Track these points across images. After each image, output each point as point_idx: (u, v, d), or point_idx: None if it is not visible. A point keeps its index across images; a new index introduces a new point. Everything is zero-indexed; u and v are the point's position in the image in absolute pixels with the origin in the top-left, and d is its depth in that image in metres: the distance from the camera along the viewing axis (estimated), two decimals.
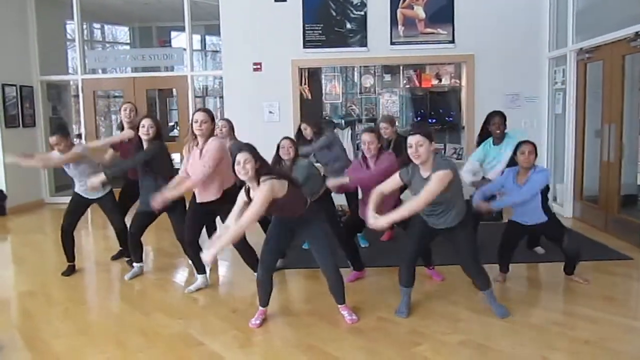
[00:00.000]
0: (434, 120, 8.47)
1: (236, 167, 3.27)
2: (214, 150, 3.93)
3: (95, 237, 6.47)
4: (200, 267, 4.34)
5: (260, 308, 3.65)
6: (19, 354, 3.27)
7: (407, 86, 8.63)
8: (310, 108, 8.29)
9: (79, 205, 4.79)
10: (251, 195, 3.32)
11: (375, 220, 3.38)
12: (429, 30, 7.32)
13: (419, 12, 7.31)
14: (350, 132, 8.43)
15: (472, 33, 7.25)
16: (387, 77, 8.62)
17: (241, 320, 3.67)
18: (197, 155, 4.00)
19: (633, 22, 5.18)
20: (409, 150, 3.36)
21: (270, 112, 7.57)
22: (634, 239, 5.20)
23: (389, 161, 4.09)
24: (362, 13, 7.38)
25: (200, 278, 4.35)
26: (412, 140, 3.35)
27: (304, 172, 4.38)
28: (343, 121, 8.66)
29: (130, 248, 4.70)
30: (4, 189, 7.74)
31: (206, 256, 3.21)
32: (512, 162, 4.28)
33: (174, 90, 9.06)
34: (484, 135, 4.93)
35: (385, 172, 3.84)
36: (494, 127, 4.80)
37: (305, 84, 8.25)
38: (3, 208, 7.67)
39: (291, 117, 7.54)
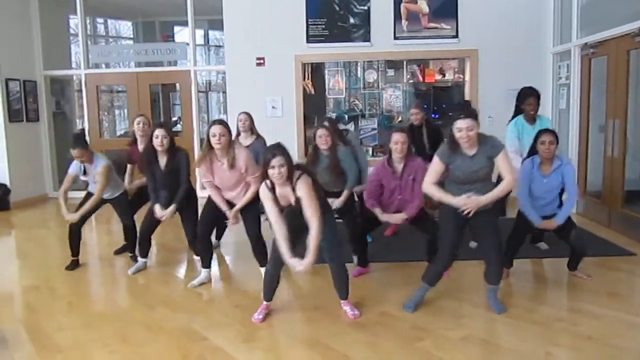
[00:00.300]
0: (436, 116, 8.45)
1: (270, 172, 3.26)
2: (249, 158, 4.09)
3: (99, 231, 6.49)
4: (206, 262, 4.35)
5: (264, 303, 3.66)
6: (23, 348, 3.28)
7: (411, 81, 8.60)
8: (314, 103, 8.28)
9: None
10: (278, 193, 3.36)
11: (468, 203, 3.35)
12: (432, 25, 7.30)
13: (423, 6, 7.29)
14: (353, 127, 8.42)
15: (476, 28, 7.23)
16: (391, 72, 8.58)
17: (244, 315, 3.68)
18: (226, 168, 4.04)
19: (638, 17, 5.15)
20: (459, 134, 3.32)
21: (273, 107, 7.57)
22: (637, 234, 5.19)
23: (422, 170, 3.97)
24: (366, 8, 7.35)
25: (204, 272, 4.36)
26: (463, 124, 3.30)
27: (349, 156, 4.48)
28: (347, 116, 8.65)
29: (139, 243, 4.73)
30: (7, 183, 7.76)
31: (302, 266, 3.25)
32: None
33: (177, 85, 9.05)
34: (514, 112, 4.83)
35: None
36: (528, 107, 4.67)
37: (308, 79, 8.23)
38: (7, 202, 7.69)
39: (294, 112, 7.54)
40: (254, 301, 3.88)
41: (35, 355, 3.19)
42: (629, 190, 5.72)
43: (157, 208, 4.42)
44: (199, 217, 4.42)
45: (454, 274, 4.34)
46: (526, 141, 4.56)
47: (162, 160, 4.37)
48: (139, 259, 4.75)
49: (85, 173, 4.71)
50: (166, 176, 4.37)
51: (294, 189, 3.33)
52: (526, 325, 3.41)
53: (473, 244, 4.94)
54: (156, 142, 4.28)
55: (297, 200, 3.33)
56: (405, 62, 8.42)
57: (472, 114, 3.33)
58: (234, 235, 5.65)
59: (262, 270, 4.07)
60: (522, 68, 7.20)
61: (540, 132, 3.98)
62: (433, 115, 8.44)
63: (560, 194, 4.10)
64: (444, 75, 8.35)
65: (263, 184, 3.42)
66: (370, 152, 8.11)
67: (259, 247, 4.26)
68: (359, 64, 8.55)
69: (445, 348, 3.12)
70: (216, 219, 4.36)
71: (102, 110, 8.74)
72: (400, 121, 8.21)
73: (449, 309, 3.69)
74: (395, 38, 7.36)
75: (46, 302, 4.08)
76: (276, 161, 3.25)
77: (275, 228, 3.38)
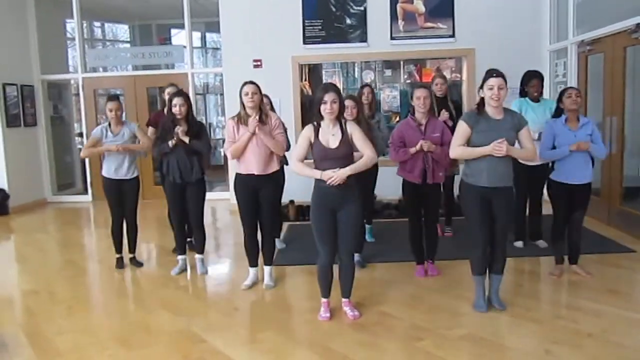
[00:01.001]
0: None
1: (322, 107, 3.37)
2: (281, 122, 4.18)
3: (98, 235, 6.48)
4: (253, 259, 4.30)
5: (323, 300, 3.62)
6: (22, 352, 3.28)
7: (408, 81, 8.62)
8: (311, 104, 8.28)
9: (113, 190, 4.79)
10: (322, 134, 3.43)
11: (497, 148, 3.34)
12: (429, 24, 7.30)
13: (419, 6, 7.29)
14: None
15: (472, 27, 7.22)
16: (388, 72, 8.60)
17: (244, 317, 3.67)
18: (256, 125, 3.97)
19: (633, 13, 5.16)
20: (489, 92, 3.37)
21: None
22: (636, 231, 5.19)
23: (443, 129, 4.16)
24: (362, 8, 7.35)
25: (252, 272, 4.32)
26: (495, 82, 3.37)
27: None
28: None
29: (180, 238, 4.74)
30: (6, 188, 7.75)
31: (336, 174, 3.31)
32: None
33: None
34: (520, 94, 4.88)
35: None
36: (532, 88, 4.74)
37: (305, 80, 8.24)
38: (6, 207, 7.69)
39: (292, 113, 7.53)
40: (253, 303, 3.88)
41: (35, 359, 3.19)
42: (627, 186, 5.72)
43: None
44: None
45: (453, 273, 4.34)
46: (530, 118, 4.53)
47: (183, 128, 4.39)
48: (178, 257, 4.75)
49: (112, 134, 4.70)
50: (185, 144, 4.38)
51: (342, 128, 3.42)
52: (526, 323, 3.41)
53: (543, 244, 4.94)
54: (175, 110, 4.36)
55: (342, 140, 3.39)
56: (402, 62, 8.43)
57: (503, 75, 3.42)
58: (233, 237, 5.64)
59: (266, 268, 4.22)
60: (519, 66, 7.07)
61: (566, 88, 4.12)
62: None
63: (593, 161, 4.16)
64: (441, 71, 8.35)
65: (309, 124, 3.50)
66: None
67: (276, 218, 4.32)
68: (356, 64, 8.56)
69: (444, 347, 3.11)
70: (256, 205, 4.14)
71: (99, 114, 8.73)
72: (398, 121, 8.21)
73: (448, 308, 3.69)
74: (392, 38, 7.36)
75: (45, 306, 4.07)
76: (329, 96, 3.35)
77: (298, 166, 3.46)
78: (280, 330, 3.49)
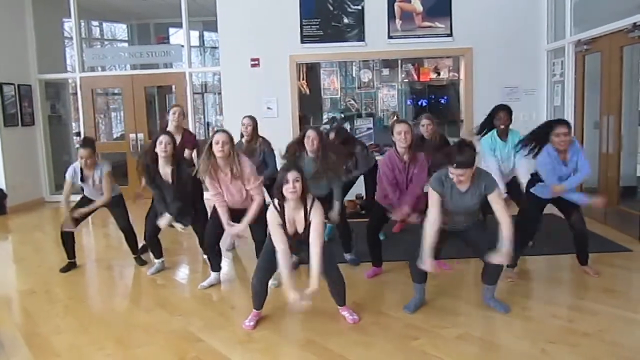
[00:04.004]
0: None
1: (285, 187, 3.23)
2: (252, 167, 4.03)
3: (96, 235, 6.48)
4: (215, 266, 4.34)
5: (255, 311, 3.60)
6: (19, 352, 3.28)
7: (406, 80, 8.63)
8: (309, 103, 8.30)
9: (85, 204, 4.78)
10: (287, 215, 3.34)
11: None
12: (426, 23, 7.31)
13: (417, 5, 7.29)
14: (349, 126, 8.43)
15: (470, 26, 7.23)
16: (386, 72, 8.61)
17: (240, 316, 3.67)
18: (229, 179, 3.96)
19: (630, 13, 5.16)
20: (452, 176, 3.29)
21: (269, 107, 7.57)
22: (633, 230, 5.20)
23: (423, 167, 4.08)
24: (360, 7, 7.36)
25: (213, 275, 4.35)
26: (459, 172, 3.25)
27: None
28: (342, 115, 8.66)
29: (149, 246, 4.76)
30: (4, 188, 7.74)
31: (305, 299, 3.21)
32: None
33: (172, 87, 9.04)
34: (485, 126, 4.85)
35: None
36: (499, 121, 4.72)
37: (303, 79, 8.25)
38: (3, 207, 7.68)
39: (289, 113, 7.54)
40: (250, 303, 3.87)
41: (32, 359, 3.19)
42: (624, 186, 5.74)
43: (165, 218, 4.35)
44: (206, 227, 4.33)
45: (450, 273, 4.34)
46: (499, 156, 4.70)
47: (167, 170, 4.30)
48: (155, 260, 4.76)
49: (82, 180, 4.68)
50: (174, 188, 4.31)
51: (306, 212, 3.32)
52: (522, 322, 3.42)
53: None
54: (160, 148, 4.22)
55: (306, 227, 3.32)
56: (400, 61, 8.44)
57: (470, 160, 3.24)
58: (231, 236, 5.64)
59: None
60: (516, 65, 7.21)
61: (554, 124, 3.97)
62: None
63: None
64: (438, 74, 8.38)
65: (271, 207, 3.38)
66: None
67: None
68: (354, 63, 8.58)
69: (440, 347, 3.12)
70: (222, 227, 4.19)
71: (97, 113, 8.73)
72: (393, 121, 8.23)
73: (444, 308, 3.69)
74: (390, 37, 7.36)
75: (43, 305, 4.07)
76: (291, 175, 3.23)
77: (281, 257, 3.31)
78: (277, 329, 3.50)
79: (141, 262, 4.95)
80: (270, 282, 4.06)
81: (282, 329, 3.51)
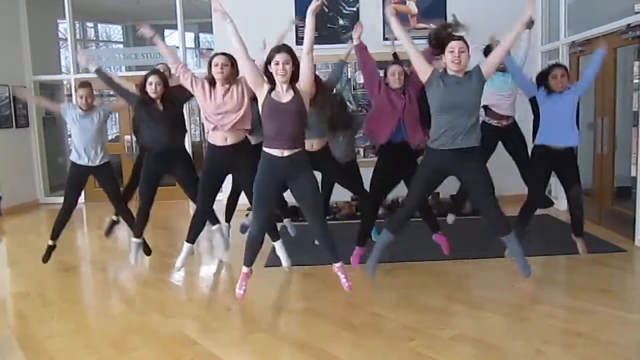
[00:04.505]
0: None
1: (274, 67, 3.18)
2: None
3: (91, 236, 6.46)
4: (192, 236, 4.21)
5: (245, 269, 3.55)
6: (13, 355, 3.26)
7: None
8: None
9: (78, 177, 4.73)
10: (280, 95, 3.33)
11: None
12: (421, 25, 7.31)
13: (412, 7, 7.31)
14: None
15: (464, 28, 7.23)
16: (380, 73, 8.59)
17: (236, 318, 3.67)
18: (220, 96, 3.86)
19: (624, 14, 5.19)
20: (449, 55, 3.32)
21: None
22: (627, 231, 5.21)
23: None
24: (355, 9, 7.36)
25: (186, 247, 4.23)
26: (455, 45, 3.31)
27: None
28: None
29: (138, 221, 4.57)
30: None
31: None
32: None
33: None
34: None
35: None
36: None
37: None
38: None
39: None
40: (246, 305, 3.88)
41: None
42: (618, 186, 5.75)
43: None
44: (197, 189, 4.17)
45: (445, 273, 4.35)
46: (497, 81, 4.79)
47: (157, 105, 4.27)
48: (134, 239, 4.57)
49: (79, 117, 4.60)
50: (165, 114, 4.24)
51: (295, 90, 3.28)
52: (516, 323, 3.43)
53: (451, 218, 4.99)
54: (150, 89, 4.16)
55: (294, 97, 3.29)
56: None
57: (464, 39, 3.38)
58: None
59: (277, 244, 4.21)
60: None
61: (552, 67, 4.04)
62: None
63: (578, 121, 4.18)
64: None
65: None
66: (362, 153, 8.09)
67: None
68: (349, 65, 8.56)
69: (435, 348, 3.12)
70: (216, 187, 4.09)
71: None
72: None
73: (439, 308, 3.70)
74: (385, 39, 7.36)
75: (37, 308, 4.05)
76: (281, 56, 3.19)
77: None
78: (273, 331, 3.50)
79: (147, 250, 4.85)
80: (285, 263, 4.08)
81: (278, 331, 3.51)
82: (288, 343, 3.31)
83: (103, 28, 12.03)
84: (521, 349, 3.07)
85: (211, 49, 10.37)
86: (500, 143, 5.00)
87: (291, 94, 3.31)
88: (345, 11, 7.37)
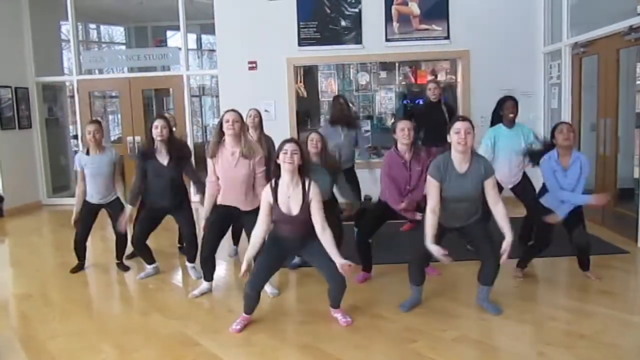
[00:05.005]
0: None
1: (282, 157, 3.24)
2: (267, 143, 4.00)
3: (93, 238, 6.43)
4: (208, 276, 4.20)
5: (244, 315, 3.57)
6: (16, 356, 3.27)
7: (403, 83, 8.63)
8: (306, 106, 8.30)
9: (89, 213, 4.78)
10: (282, 192, 3.32)
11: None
12: (423, 26, 7.32)
13: (414, 8, 7.30)
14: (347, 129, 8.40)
15: (467, 29, 7.24)
16: (383, 74, 8.61)
17: (238, 319, 3.66)
18: (235, 159, 3.82)
19: (627, 15, 5.18)
20: (455, 136, 3.30)
21: (266, 110, 7.53)
22: (630, 232, 5.20)
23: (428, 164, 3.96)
24: (357, 10, 7.36)
25: (206, 284, 4.23)
26: (462, 126, 3.28)
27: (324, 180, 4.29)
28: None
29: (138, 254, 4.75)
30: (0, 191, 7.72)
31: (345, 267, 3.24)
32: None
33: (170, 89, 9.03)
34: (494, 122, 4.83)
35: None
36: (507, 110, 4.67)
37: (300, 82, 8.25)
38: (0, 210, 7.66)
39: (287, 116, 7.54)
40: None
41: None
42: (621, 188, 5.75)
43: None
44: (200, 230, 4.26)
45: (447, 275, 4.34)
46: (502, 145, 4.67)
47: (162, 155, 4.31)
48: (148, 266, 4.71)
49: (86, 164, 4.64)
50: (168, 169, 4.30)
51: (304, 191, 3.30)
52: (519, 325, 3.42)
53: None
54: (155, 132, 4.23)
55: (303, 206, 3.29)
56: (397, 64, 8.44)
57: (470, 120, 3.35)
58: (227, 239, 5.62)
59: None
60: (513, 68, 7.21)
61: (558, 124, 4.02)
62: None
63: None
64: (436, 77, 8.37)
65: (267, 185, 3.38)
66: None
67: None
68: (351, 66, 8.58)
69: (438, 349, 3.12)
70: (221, 233, 4.09)
71: (95, 116, 8.69)
72: (394, 122, 8.25)
73: (441, 310, 3.69)
74: (387, 40, 7.37)
75: (39, 309, 4.06)
76: (289, 146, 3.24)
77: (257, 228, 3.40)
78: (274, 332, 3.49)
79: (124, 268, 4.91)
80: (270, 290, 4.05)
81: (279, 333, 3.50)
82: (289, 344, 3.31)
83: (105, 29, 12.05)
84: (523, 351, 3.07)
85: (213, 51, 10.39)
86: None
87: (299, 197, 3.33)
88: (347, 12, 7.37)
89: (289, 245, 3.49)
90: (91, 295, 4.54)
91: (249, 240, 4.02)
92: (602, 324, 3.38)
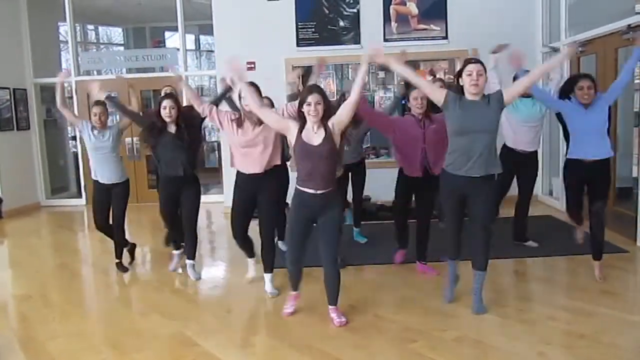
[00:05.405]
0: None
1: (306, 109, 3.26)
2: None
3: (92, 239, 6.46)
4: (250, 252, 4.30)
5: (291, 292, 3.69)
6: (15, 357, 3.26)
7: (402, 83, 8.61)
8: None
9: (102, 194, 4.73)
10: (304, 131, 3.35)
11: None
12: (422, 26, 7.31)
13: (412, 8, 7.30)
14: None
15: (465, 29, 7.23)
16: (382, 74, 8.60)
17: (237, 320, 3.67)
18: (250, 125, 3.96)
19: (625, 15, 5.18)
20: (467, 78, 3.29)
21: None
22: (629, 231, 5.20)
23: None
24: (355, 10, 7.36)
25: (250, 261, 4.33)
26: (474, 68, 3.27)
27: None
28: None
29: (175, 235, 4.75)
30: None
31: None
32: None
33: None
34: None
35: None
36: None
37: (299, 82, 8.22)
38: None
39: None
40: (246, 306, 3.87)
41: None
42: (620, 187, 5.75)
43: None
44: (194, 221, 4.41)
45: (446, 275, 4.34)
46: (520, 107, 4.72)
47: (172, 128, 4.30)
48: (174, 252, 4.76)
49: (93, 135, 4.66)
50: (177, 139, 4.27)
51: (326, 129, 3.30)
52: (519, 325, 3.42)
53: (533, 244, 4.97)
54: (164, 113, 4.21)
55: (325, 138, 3.29)
56: None
57: (482, 63, 3.33)
58: (228, 240, 5.63)
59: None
60: (512, 67, 7.19)
61: (578, 77, 3.90)
62: None
63: (609, 133, 4.01)
64: (434, 77, 8.35)
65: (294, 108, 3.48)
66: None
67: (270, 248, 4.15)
68: (350, 66, 8.57)
69: (438, 349, 3.11)
70: (248, 213, 4.08)
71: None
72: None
73: (441, 310, 3.69)
74: (385, 40, 7.37)
75: (38, 310, 4.05)
76: (312, 98, 3.25)
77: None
78: (273, 333, 3.50)
79: (123, 269, 4.87)
80: (270, 290, 4.06)
81: (280, 333, 3.50)
82: (290, 345, 3.30)
83: (104, 30, 12.05)
84: (523, 351, 3.07)
85: (212, 51, 10.39)
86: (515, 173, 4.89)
87: (322, 134, 3.32)
88: (345, 12, 7.36)
89: (313, 208, 3.40)
90: (90, 296, 4.54)
91: (261, 241, 4.10)
92: (602, 323, 3.38)
